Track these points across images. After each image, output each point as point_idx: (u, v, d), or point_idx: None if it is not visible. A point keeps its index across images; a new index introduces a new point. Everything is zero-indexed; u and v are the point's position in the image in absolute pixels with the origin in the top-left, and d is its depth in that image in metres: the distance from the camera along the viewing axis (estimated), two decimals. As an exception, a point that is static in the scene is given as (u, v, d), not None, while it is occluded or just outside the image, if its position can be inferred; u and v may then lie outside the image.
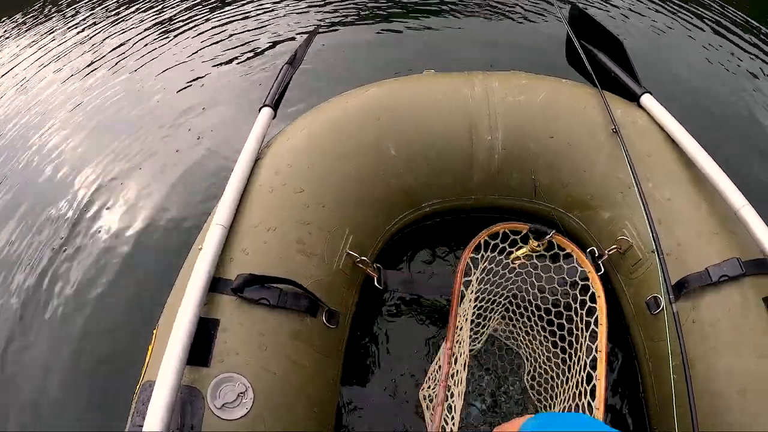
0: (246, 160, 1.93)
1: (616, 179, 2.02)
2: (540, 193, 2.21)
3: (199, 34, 4.63)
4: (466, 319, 1.81)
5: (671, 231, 1.83)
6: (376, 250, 2.18)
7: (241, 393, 1.45)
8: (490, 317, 2.10)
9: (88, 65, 4.57)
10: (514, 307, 2.08)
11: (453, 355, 1.51)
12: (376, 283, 2.05)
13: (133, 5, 5.43)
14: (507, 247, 1.87)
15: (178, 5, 5.22)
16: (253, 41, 4.35)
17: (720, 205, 1.83)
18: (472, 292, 1.81)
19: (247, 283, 1.59)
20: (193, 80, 4.01)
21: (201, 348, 1.47)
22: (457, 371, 1.63)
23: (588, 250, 1.97)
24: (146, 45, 4.65)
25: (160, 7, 5.29)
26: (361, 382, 2.15)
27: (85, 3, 5.78)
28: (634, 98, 2.20)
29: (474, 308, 1.95)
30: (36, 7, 6.06)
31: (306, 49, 2.60)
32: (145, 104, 3.85)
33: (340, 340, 1.90)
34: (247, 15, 4.76)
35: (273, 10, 4.77)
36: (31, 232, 3.03)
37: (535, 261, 1.93)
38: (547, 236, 1.79)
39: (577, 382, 1.58)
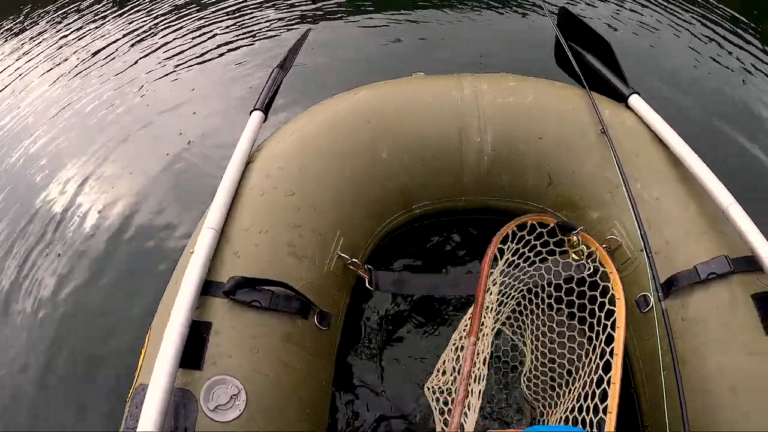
0: (237, 164, 1.94)
1: (605, 179, 2.03)
2: (530, 193, 2.23)
3: (189, 38, 4.62)
4: (491, 312, 1.80)
5: (660, 230, 1.84)
6: (367, 252, 2.19)
7: (234, 395, 1.46)
8: (501, 311, 2.06)
9: (76, 69, 4.56)
10: (526, 302, 2.05)
11: (476, 351, 1.46)
12: (367, 285, 2.06)
13: (122, 10, 5.41)
14: (533, 239, 1.84)
15: (165, 10, 5.21)
16: (243, 45, 4.36)
17: (708, 203, 1.84)
18: (496, 284, 1.81)
19: (239, 285, 1.60)
20: (184, 84, 4.01)
21: (193, 351, 1.48)
22: (479, 368, 1.61)
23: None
24: (135, 49, 4.64)
25: (148, 11, 5.27)
26: (355, 382, 2.16)
27: (74, 8, 5.75)
28: (622, 99, 2.22)
29: (493, 302, 1.92)
30: (26, 11, 6.03)
31: (296, 52, 2.61)
32: (135, 108, 3.85)
33: (331, 342, 1.91)
34: (237, 19, 4.76)
35: (263, 15, 4.77)
36: (20, 236, 3.03)
37: (557, 257, 1.92)
38: (574, 232, 1.78)
39: (586, 383, 1.56)
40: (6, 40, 5.58)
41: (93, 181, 3.29)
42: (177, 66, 4.27)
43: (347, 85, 2.32)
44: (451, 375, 1.82)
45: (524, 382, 2.07)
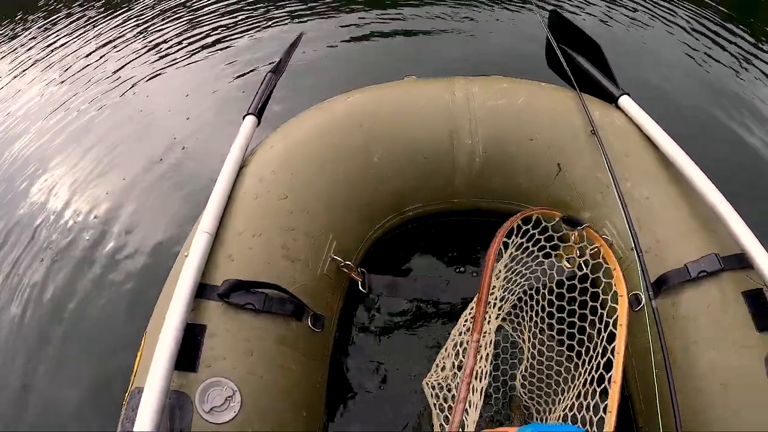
0: (230, 168, 1.95)
1: (596, 179, 2.05)
2: (522, 195, 2.24)
3: (181, 43, 4.64)
4: (493, 308, 1.80)
5: (650, 229, 1.86)
6: (360, 254, 2.20)
7: (229, 397, 1.48)
8: (502, 306, 2.03)
9: (69, 76, 4.56)
10: (527, 298, 2.02)
11: (479, 347, 1.42)
12: (360, 288, 2.08)
13: (113, 15, 5.42)
14: (537, 233, 1.82)
15: (157, 15, 5.22)
16: (236, 50, 4.37)
17: (698, 202, 1.86)
18: (499, 278, 1.80)
19: (233, 288, 1.62)
20: (177, 89, 4.02)
21: (188, 353, 1.50)
22: (482, 366, 1.61)
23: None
24: (126, 54, 4.66)
25: (138, 17, 5.29)
26: (349, 384, 2.17)
27: (65, 14, 5.75)
28: (612, 100, 2.24)
29: (495, 298, 1.91)
30: (17, 18, 6.03)
31: (289, 57, 2.62)
32: (128, 114, 3.86)
33: (325, 344, 1.93)
34: (229, 24, 4.78)
35: (256, 19, 4.78)
36: (15, 240, 3.04)
37: (560, 252, 1.92)
38: (579, 228, 1.76)
39: (586, 381, 1.56)
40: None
41: (87, 186, 3.29)
42: (168, 72, 4.29)
43: (340, 89, 2.34)
44: (450, 371, 1.82)
45: (519, 380, 2.06)
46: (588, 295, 1.78)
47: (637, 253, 1.66)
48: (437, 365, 1.91)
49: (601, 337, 1.60)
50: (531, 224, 1.77)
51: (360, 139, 2.11)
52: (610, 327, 1.56)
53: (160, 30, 4.94)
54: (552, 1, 4.54)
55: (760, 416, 1.50)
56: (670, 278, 1.75)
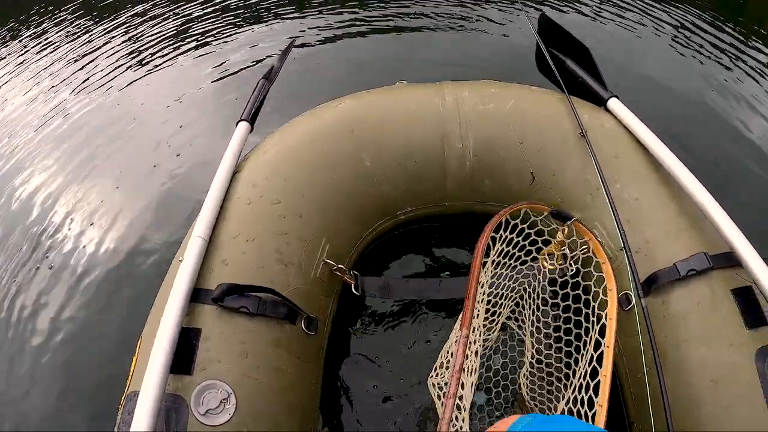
0: (224, 174, 1.97)
1: (585, 181, 2.07)
2: (512, 197, 2.24)
3: (172, 50, 4.65)
4: (482, 303, 1.80)
5: (639, 229, 1.88)
6: (353, 258, 2.22)
7: (224, 399, 1.49)
8: (505, 304, 2.06)
9: (60, 83, 4.56)
10: (526, 295, 2.05)
11: (468, 343, 1.43)
12: (353, 290, 2.09)
13: (103, 23, 5.42)
14: (526, 228, 1.84)
15: (146, 22, 5.23)
16: (229, 56, 4.38)
17: (687, 202, 1.88)
18: (487, 275, 1.81)
19: (227, 292, 1.63)
20: (170, 97, 4.02)
21: (184, 357, 1.51)
22: (473, 360, 1.62)
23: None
24: (118, 62, 4.65)
25: (128, 24, 5.29)
26: (344, 386, 2.19)
27: (55, 25, 5.72)
28: (601, 102, 2.26)
29: (489, 294, 1.92)
30: (8, 26, 6.03)
31: (282, 63, 2.63)
32: (122, 122, 3.86)
33: (319, 346, 1.94)
34: (222, 31, 4.79)
35: (248, 26, 4.80)
36: (11, 248, 3.04)
37: (551, 248, 1.94)
38: (568, 222, 1.80)
39: (582, 374, 1.58)
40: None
41: (80, 194, 3.30)
42: (161, 78, 4.30)
43: (332, 95, 2.36)
44: (444, 369, 1.84)
45: (523, 378, 2.08)
46: (581, 289, 1.81)
47: (627, 253, 1.68)
48: (442, 365, 1.91)
49: (594, 331, 1.63)
50: (519, 219, 1.79)
51: (351, 144, 2.13)
52: (603, 320, 1.59)
53: (150, 37, 4.94)
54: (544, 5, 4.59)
55: (750, 412, 1.52)
56: (659, 277, 1.77)
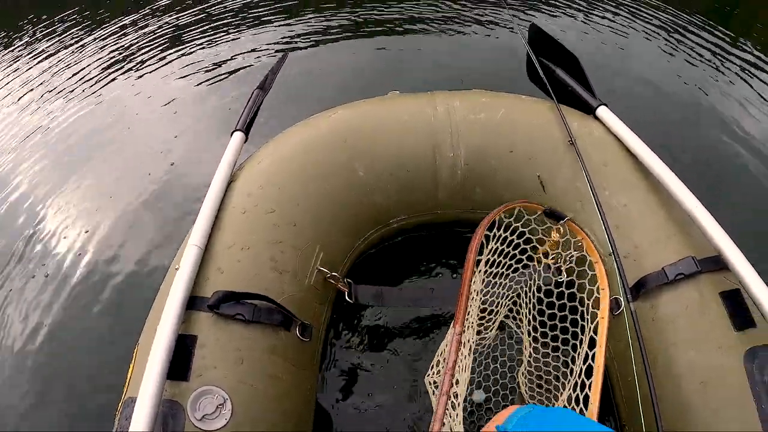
0: (219, 183, 1.99)
1: (576, 189, 2.09)
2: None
3: (169, 61, 4.66)
4: (475, 301, 1.81)
5: (628, 235, 1.91)
6: (347, 265, 2.24)
7: (220, 405, 1.50)
8: (501, 303, 2.07)
9: (52, 93, 4.55)
10: (523, 294, 2.06)
11: (461, 341, 1.45)
12: (347, 298, 2.11)
13: (99, 34, 5.42)
14: (520, 227, 1.86)
15: (143, 32, 5.25)
16: (223, 67, 4.40)
17: (674, 208, 1.91)
18: (481, 273, 1.82)
19: (223, 299, 1.65)
20: (165, 107, 4.04)
21: (180, 363, 1.53)
22: (465, 356, 1.63)
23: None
24: (115, 73, 4.66)
25: (122, 35, 5.31)
26: (338, 392, 2.21)
27: (47, 33, 5.73)
28: (590, 110, 2.29)
29: (484, 293, 1.94)
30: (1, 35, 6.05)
31: (276, 73, 2.65)
32: (117, 132, 3.87)
33: (313, 353, 1.96)
34: (216, 41, 4.82)
35: (242, 36, 4.83)
36: (5, 256, 3.04)
37: (545, 247, 1.96)
38: (562, 221, 1.82)
39: (579, 372, 1.59)
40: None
41: (75, 203, 3.31)
42: (155, 90, 4.30)
43: (325, 105, 2.39)
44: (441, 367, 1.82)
45: (521, 377, 2.09)
46: (575, 287, 1.83)
47: (615, 258, 1.70)
48: (438, 363, 1.90)
49: (589, 329, 1.66)
50: (513, 218, 1.82)
51: (344, 154, 2.15)
52: (598, 318, 1.62)
53: (143, 46, 4.96)
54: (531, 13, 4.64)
55: (740, 413, 1.53)
56: (648, 281, 1.79)
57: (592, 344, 1.59)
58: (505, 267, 1.98)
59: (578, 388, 1.55)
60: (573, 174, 2.10)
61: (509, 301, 2.08)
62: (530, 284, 2.01)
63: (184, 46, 4.84)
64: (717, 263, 1.73)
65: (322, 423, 2.10)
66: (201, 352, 1.58)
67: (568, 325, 1.83)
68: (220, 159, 2.11)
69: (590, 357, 1.55)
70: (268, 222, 1.94)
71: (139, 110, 4.08)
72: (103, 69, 4.75)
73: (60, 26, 5.79)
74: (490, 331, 2.11)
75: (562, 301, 1.89)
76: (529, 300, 2.02)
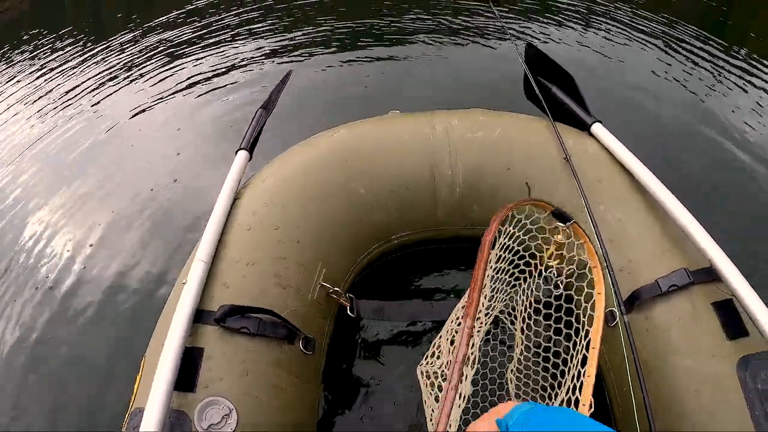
0: (224, 200, 2.04)
1: (571, 205, 2.10)
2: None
3: (173, 79, 4.72)
4: (485, 296, 1.83)
5: (622, 248, 1.95)
6: (349, 281, 2.28)
7: (226, 415, 1.54)
8: (499, 298, 2.05)
9: (56, 111, 4.60)
10: (521, 291, 2.06)
11: (471, 335, 1.38)
12: (348, 312, 2.16)
13: (101, 51, 5.51)
14: (528, 223, 1.87)
15: (148, 52, 5.31)
16: (227, 87, 4.46)
17: (667, 221, 1.95)
18: (491, 268, 1.84)
19: (229, 313, 1.69)
20: (169, 125, 4.09)
21: (187, 375, 1.56)
22: (473, 352, 1.65)
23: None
24: (119, 90, 4.72)
25: (121, 51, 5.40)
26: (341, 404, 2.23)
27: (50, 49, 5.81)
28: (585, 128, 2.34)
29: (489, 289, 1.93)
30: (3, 50, 6.13)
31: (279, 93, 2.69)
32: (120, 148, 3.92)
33: (316, 366, 1.99)
34: (220, 61, 4.88)
35: (246, 56, 4.90)
36: (10, 272, 3.07)
37: (550, 247, 1.99)
38: (568, 223, 1.83)
39: (574, 375, 1.60)
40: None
41: (80, 219, 3.34)
42: (159, 107, 4.36)
43: (327, 124, 2.44)
44: (446, 359, 1.82)
45: (510, 373, 2.08)
46: (573, 290, 1.86)
47: (609, 271, 1.74)
48: (433, 354, 1.92)
49: (584, 332, 1.67)
50: (524, 215, 1.86)
51: (344, 174, 2.20)
52: (595, 317, 1.64)
53: (145, 66, 5.03)
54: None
55: (733, 420, 1.55)
56: (642, 293, 1.83)
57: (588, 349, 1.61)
58: (509, 263, 1.99)
59: (571, 391, 1.56)
60: (568, 190, 2.14)
61: (507, 296, 2.09)
62: (529, 282, 2.03)
63: (190, 65, 4.91)
64: (709, 274, 1.76)
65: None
66: (207, 364, 1.62)
67: (562, 326, 1.85)
68: (222, 175, 2.16)
69: (586, 361, 1.57)
70: (273, 239, 1.99)
71: (142, 127, 4.13)
72: (103, 86, 4.81)
73: (59, 44, 5.87)
74: (485, 325, 2.08)
75: (559, 303, 1.91)
76: (527, 297, 2.03)
